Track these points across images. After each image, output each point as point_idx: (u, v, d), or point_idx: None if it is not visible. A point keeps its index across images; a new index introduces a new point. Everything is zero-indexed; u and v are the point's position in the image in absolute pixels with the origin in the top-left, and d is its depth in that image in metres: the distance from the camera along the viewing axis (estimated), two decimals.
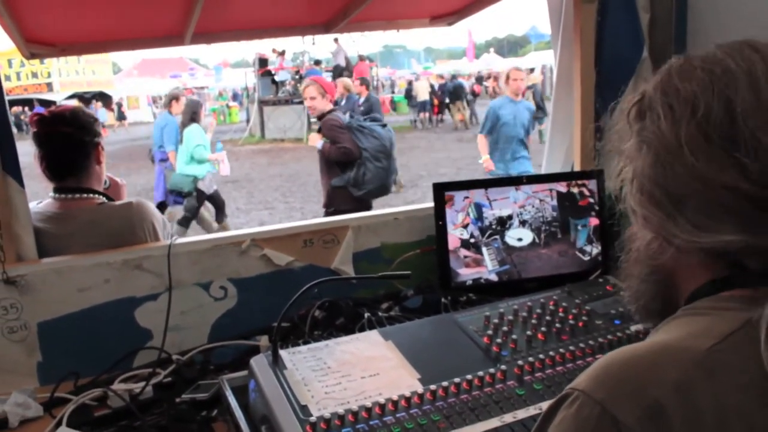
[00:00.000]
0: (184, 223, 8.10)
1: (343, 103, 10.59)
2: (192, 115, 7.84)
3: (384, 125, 5.74)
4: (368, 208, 5.56)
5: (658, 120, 0.80)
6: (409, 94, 25.07)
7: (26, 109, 31.77)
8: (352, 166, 5.43)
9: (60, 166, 2.18)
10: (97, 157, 2.24)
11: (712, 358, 0.71)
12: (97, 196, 2.21)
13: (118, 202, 2.26)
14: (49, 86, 35.92)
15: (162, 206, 8.27)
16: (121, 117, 32.57)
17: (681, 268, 0.85)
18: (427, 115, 23.96)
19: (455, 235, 2.03)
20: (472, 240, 2.04)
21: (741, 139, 0.72)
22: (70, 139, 2.16)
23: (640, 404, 0.69)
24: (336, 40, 20.65)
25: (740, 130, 0.72)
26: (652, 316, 0.91)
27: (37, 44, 2.45)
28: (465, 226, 2.04)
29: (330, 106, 5.62)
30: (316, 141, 5.58)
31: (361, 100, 10.48)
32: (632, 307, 0.95)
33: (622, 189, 0.88)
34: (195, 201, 8.05)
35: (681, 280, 0.86)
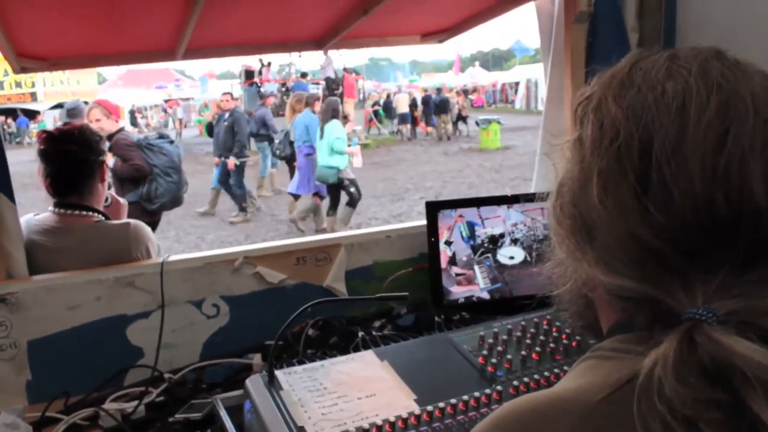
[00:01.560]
0: (353, 204, 9.25)
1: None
2: (333, 112, 8.98)
3: (171, 142, 6.14)
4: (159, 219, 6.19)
5: (586, 135, 0.73)
6: (387, 107, 25.42)
7: (9, 120, 31.56)
8: (144, 182, 5.77)
9: (64, 183, 2.21)
10: (101, 175, 2.27)
11: (600, 411, 0.65)
12: (95, 214, 2.22)
13: (116, 222, 2.27)
14: (33, 96, 35.66)
15: (316, 196, 9.60)
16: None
17: (595, 300, 0.79)
18: (409, 126, 24.34)
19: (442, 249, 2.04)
20: (464, 258, 2.05)
21: (652, 186, 0.65)
22: (75, 157, 2.18)
23: None
24: (325, 52, 20.71)
25: (653, 176, 0.65)
26: (598, 335, 0.82)
27: (27, 58, 2.44)
28: (447, 244, 2.04)
29: (117, 126, 5.88)
30: (108, 160, 5.78)
31: (226, 116, 10.47)
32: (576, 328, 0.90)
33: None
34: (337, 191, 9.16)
35: (598, 311, 0.80)
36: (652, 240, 0.65)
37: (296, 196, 9.97)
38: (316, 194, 9.60)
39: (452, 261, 2.05)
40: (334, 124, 8.79)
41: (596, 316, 0.81)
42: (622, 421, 0.63)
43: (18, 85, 35.37)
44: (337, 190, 9.13)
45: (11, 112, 32.74)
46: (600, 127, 0.71)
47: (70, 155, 2.19)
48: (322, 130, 8.87)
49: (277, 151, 11.24)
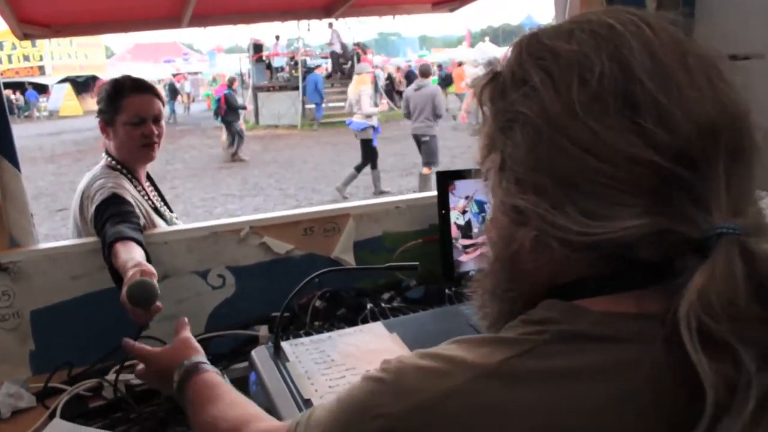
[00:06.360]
0: None
1: None
2: None
3: None
4: None
5: (534, 92, 0.66)
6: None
7: (17, 93, 31.54)
8: None
9: None
10: None
11: (502, 370, 0.63)
12: None
13: None
14: (41, 69, 35.68)
15: None
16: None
17: (546, 271, 0.71)
18: None
19: (453, 220, 1.99)
20: (476, 228, 2.00)
21: (644, 105, 0.61)
22: None
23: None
24: (330, 25, 20.36)
25: (641, 95, 0.62)
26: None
27: (30, 25, 2.39)
28: (463, 212, 1.99)
29: None
30: None
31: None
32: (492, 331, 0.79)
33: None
34: None
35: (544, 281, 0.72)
36: (660, 159, 0.60)
37: None
38: None
39: (463, 233, 2.00)
40: None
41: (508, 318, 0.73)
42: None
43: (26, 58, 35.39)
44: None
45: (19, 86, 32.70)
46: (551, 74, 0.66)
47: None
48: None
49: None
